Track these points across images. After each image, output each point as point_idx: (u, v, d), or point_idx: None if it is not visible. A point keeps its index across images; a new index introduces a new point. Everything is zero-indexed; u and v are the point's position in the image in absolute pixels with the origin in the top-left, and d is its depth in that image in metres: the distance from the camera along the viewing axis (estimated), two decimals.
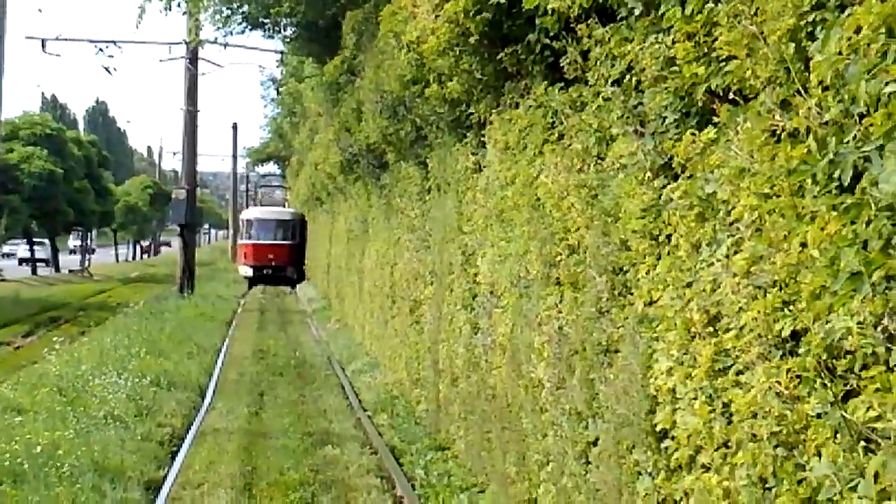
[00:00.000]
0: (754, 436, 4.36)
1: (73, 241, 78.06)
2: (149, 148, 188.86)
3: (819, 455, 3.91)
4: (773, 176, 4.29)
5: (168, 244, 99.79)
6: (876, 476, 3.54)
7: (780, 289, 4.21)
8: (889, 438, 3.51)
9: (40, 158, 54.14)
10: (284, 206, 54.40)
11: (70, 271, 63.86)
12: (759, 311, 4.29)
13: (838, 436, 3.81)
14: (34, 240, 64.87)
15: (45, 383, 14.93)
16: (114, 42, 31.05)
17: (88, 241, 73.33)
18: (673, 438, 5.27)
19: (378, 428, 13.96)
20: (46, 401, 13.54)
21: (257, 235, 45.43)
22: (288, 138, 49.41)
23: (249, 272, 44.54)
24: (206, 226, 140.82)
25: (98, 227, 72.79)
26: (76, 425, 12.10)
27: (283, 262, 43.94)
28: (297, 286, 43.76)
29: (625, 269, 6.13)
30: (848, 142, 3.78)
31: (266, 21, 21.07)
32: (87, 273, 63.38)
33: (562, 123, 7.46)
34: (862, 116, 3.70)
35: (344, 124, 19.74)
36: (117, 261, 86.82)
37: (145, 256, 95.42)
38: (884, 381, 3.56)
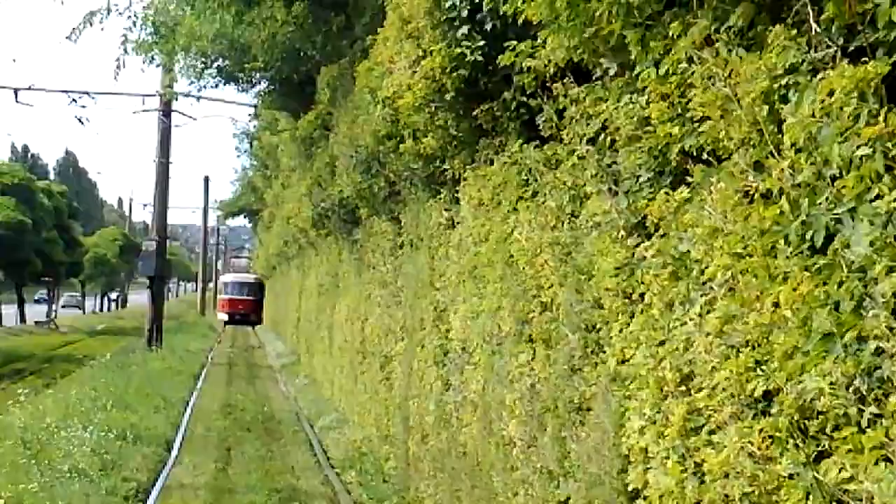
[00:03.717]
0: (727, 496, 4.34)
1: None
2: (119, 199, 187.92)
3: None
4: (746, 236, 4.32)
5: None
6: None
7: (753, 348, 4.22)
8: (861, 500, 3.51)
9: (8, 208, 53.78)
10: (249, 271, 72.11)
11: (36, 323, 63.25)
12: (731, 371, 4.29)
13: (810, 497, 3.80)
14: None
15: (8, 436, 14.70)
16: (87, 93, 30.97)
17: (55, 293, 72.75)
18: (645, 498, 5.24)
19: (346, 485, 13.84)
20: (10, 454, 13.33)
21: (231, 292, 60.97)
22: (260, 192, 49.46)
23: (226, 317, 59.73)
24: (175, 279, 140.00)
25: (66, 278, 72.26)
26: (40, 479, 11.90)
27: (248, 311, 59.62)
28: (268, 345, 45.21)
29: (598, 326, 6.14)
30: (820, 203, 3.82)
31: (240, 75, 21.15)
32: (53, 325, 62.77)
33: (536, 181, 7.50)
34: (834, 179, 3.75)
35: (317, 179, 19.76)
36: (84, 312, 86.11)
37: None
38: (856, 442, 3.57)
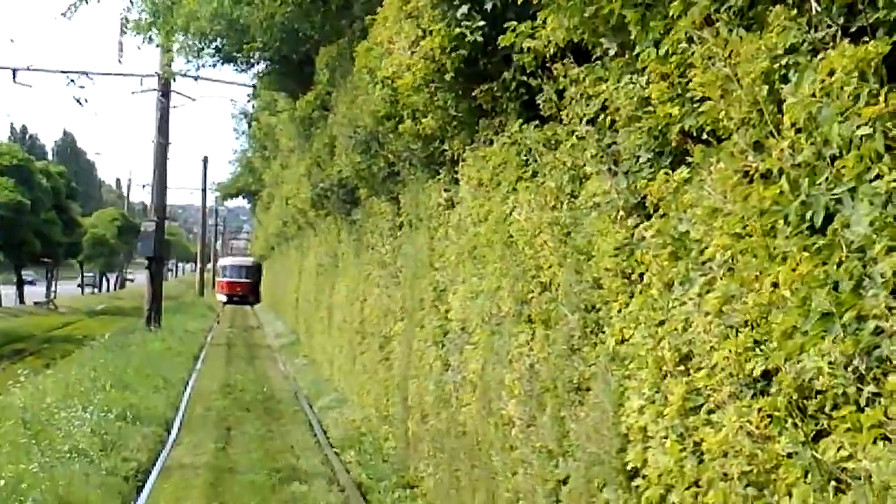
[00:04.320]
0: (725, 475, 4.37)
1: None
2: (118, 180, 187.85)
3: (790, 495, 3.92)
4: (745, 216, 4.33)
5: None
6: None
7: (752, 328, 4.24)
8: (859, 478, 3.53)
9: (7, 188, 53.71)
10: (247, 253, 77.18)
11: (35, 303, 63.27)
12: (730, 351, 4.31)
13: (809, 476, 3.83)
14: None
15: (8, 416, 14.68)
16: (86, 73, 30.93)
17: (53, 274, 72.84)
18: (644, 477, 5.27)
19: (346, 465, 13.87)
20: (10, 434, 13.32)
21: (230, 275, 66.21)
22: (259, 172, 49.37)
23: (224, 298, 64.05)
24: (174, 259, 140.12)
25: (65, 259, 72.31)
26: (40, 459, 11.89)
27: (245, 292, 64.33)
28: (267, 325, 45.39)
29: (597, 307, 6.15)
30: (820, 183, 3.83)
31: (238, 55, 21.05)
32: (52, 305, 62.82)
33: (535, 161, 7.50)
34: (834, 158, 3.76)
35: (316, 159, 19.74)
36: (83, 293, 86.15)
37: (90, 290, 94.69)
38: (854, 421, 3.59)
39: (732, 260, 4.45)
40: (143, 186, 76.45)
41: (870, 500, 3.44)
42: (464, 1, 8.48)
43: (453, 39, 8.58)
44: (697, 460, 4.69)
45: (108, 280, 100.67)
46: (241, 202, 77.29)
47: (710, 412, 4.58)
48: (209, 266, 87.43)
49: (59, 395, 16.69)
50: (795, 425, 3.90)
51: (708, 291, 4.64)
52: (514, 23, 7.19)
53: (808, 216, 3.87)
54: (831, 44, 3.94)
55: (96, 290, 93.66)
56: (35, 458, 11.90)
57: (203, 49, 20.56)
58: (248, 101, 38.04)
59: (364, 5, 14.03)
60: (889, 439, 3.46)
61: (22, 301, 64.16)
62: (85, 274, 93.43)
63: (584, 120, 6.34)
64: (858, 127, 3.61)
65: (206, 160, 78.68)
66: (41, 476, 11.08)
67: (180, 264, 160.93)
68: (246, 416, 18.47)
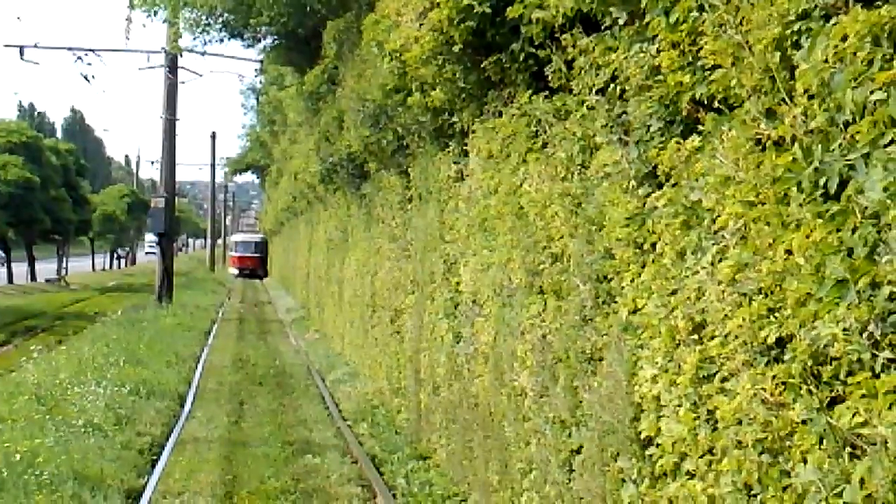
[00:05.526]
0: (739, 442, 4.38)
1: None
2: (126, 157, 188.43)
3: (805, 461, 3.93)
4: (758, 184, 4.32)
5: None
6: (861, 482, 3.56)
7: (766, 296, 4.23)
8: (875, 444, 3.53)
9: (16, 166, 53.79)
10: (256, 229, 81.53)
11: (46, 280, 63.47)
12: (744, 319, 4.31)
13: (824, 442, 3.83)
14: None
15: (23, 392, 14.82)
16: (93, 50, 30.96)
17: (64, 251, 73.09)
18: (658, 446, 5.28)
19: (358, 437, 13.92)
20: (25, 409, 13.45)
21: (241, 250, 71.13)
22: (267, 147, 49.41)
23: (236, 272, 69.13)
24: (184, 235, 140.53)
25: (75, 236, 72.55)
26: (55, 434, 12.01)
27: (255, 266, 69.23)
28: (277, 300, 45.50)
29: (609, 277, 6.15)
30: (833, 150, 3.81)
31: (245, 30, 21.00)
32: (63, 282, 63.03)
33: (545, 132, 7.48)
34: (847, 124, 3.73)
35: (324, 133, 19.70)
36: (94, 269, 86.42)
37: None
38: (869, 387, 3.58)
39: (745, 228, 4.43)
40: (153, 163, 76.41)
41: (885, 465, 3.45)
42: None
43: (461, 11, 8.53)
44: (711, 428, 4.70)
45: (119, 256, 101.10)
46: (250, 177, 77.74)
47: (724, 380, 4.58)
48: (219, 242, 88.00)
49: (72, 371, 16.82)
50: (810, 392, 3.90)
51: (721, 260, 4.64)
52: None
53: (821, 183, 3.86)
54: (844, 9, 3.91)
55: (107, 266, 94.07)
56: (50, 433, 12.01)
57: (210, 24, 20.52)
58: (256, 76, 38.07)
59: None
60: None
61: (34, 278, 64.36)
62: (121, 248, 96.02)
63: (594, 90, 6.32)
64: (872, 92, 3.58)
65: (214, 136, 79.09)
66: (56, 450, 11.18)
67: (191, 240, 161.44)
68: (258, 390, 18.55)
